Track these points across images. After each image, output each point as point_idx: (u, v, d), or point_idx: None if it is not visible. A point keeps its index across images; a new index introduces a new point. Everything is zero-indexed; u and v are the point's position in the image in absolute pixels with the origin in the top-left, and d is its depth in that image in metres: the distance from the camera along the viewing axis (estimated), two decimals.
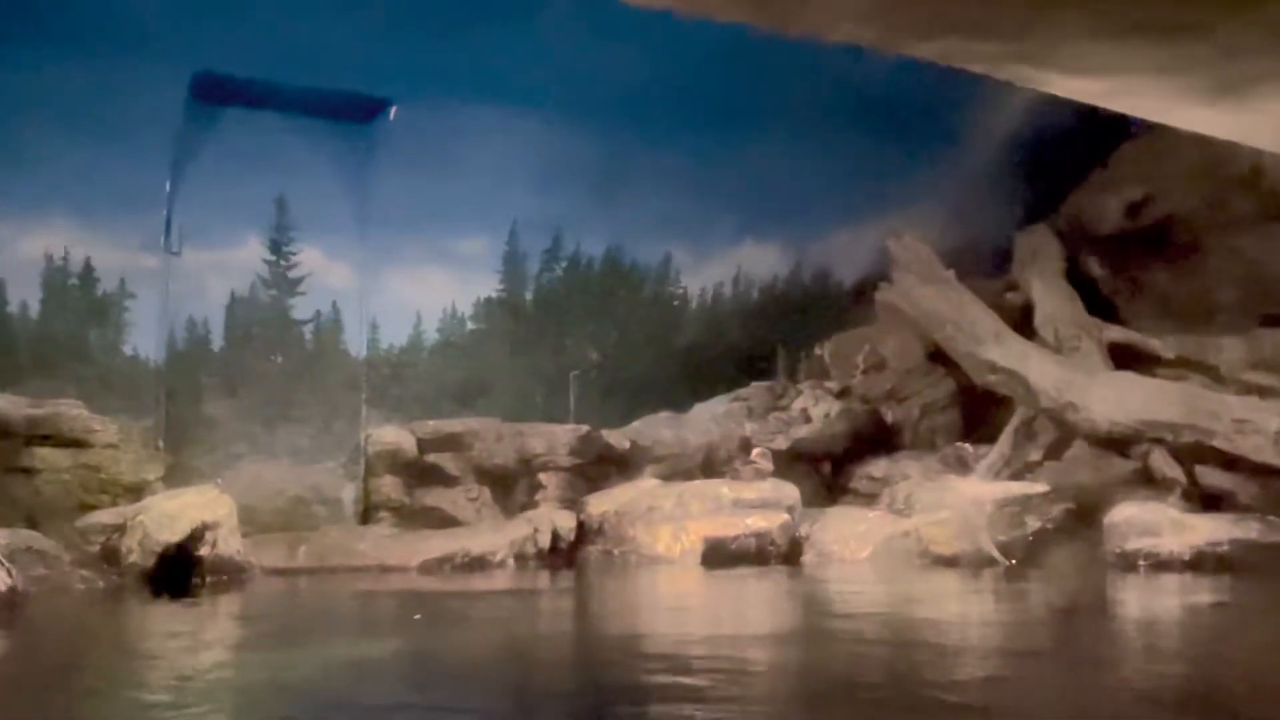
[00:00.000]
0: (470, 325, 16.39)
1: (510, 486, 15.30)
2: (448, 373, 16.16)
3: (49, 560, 11.22)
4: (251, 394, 14.84)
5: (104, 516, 11.87)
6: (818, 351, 18.10)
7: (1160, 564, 12.06)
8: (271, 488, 14.27)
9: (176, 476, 13.44)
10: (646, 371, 17.02)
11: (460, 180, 15.60)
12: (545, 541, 13.52)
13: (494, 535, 13.48)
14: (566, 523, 13.89)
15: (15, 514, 12.10)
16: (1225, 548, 12.27)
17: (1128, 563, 12.14)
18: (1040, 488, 13.91)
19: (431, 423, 15.24)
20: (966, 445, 15.87)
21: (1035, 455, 15.62)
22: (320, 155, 14.96)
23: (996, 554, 12.74)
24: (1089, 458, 15.09)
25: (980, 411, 16.68)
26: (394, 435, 14.96)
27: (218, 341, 14.84)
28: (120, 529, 11.60)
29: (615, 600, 11.17)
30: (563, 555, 13.60)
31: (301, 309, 15.24)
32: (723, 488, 13.92)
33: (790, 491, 13.82)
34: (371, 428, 15.07)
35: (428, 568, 12.65)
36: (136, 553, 11.37)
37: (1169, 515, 12.68)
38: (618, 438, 15.81)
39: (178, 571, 11.29)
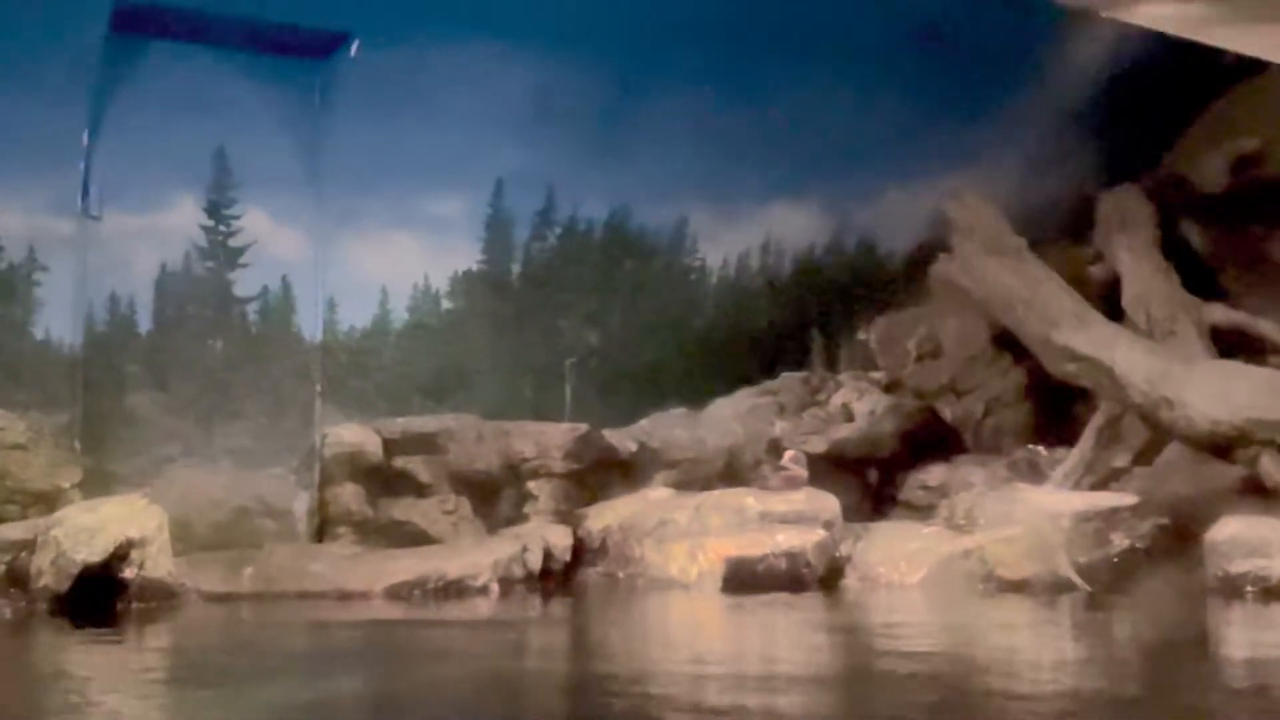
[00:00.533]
0: (446, 304, 16.40)
1: (494, 497, 15.35)
2: (419, 361, 16.18)
3: None
4: (185, 386, 14.87)
5: (10, 531, 11.95)
6: (862, 336, 18.11)
7: (1271, 590, 12.03)
8: (209, 498, 14.33)
9: (96, 484, 13.50)
10: (657, 360, 17.03)
11: (434, 130, 15.59)
12: (536, 562, 13.56)
13: (474, 555, 13.50)
14: (561, 540, 13.93)
15: None
16: None
17: (1233, 588, 12.12)
18: (1128, 499, 13.91)
19: (400, 421, 15.28)
20: (1040, 448, 15.89)
21: (1122, 461, 15.64)
22: (266, 99, 14.96)
23: (1076, 578, 12.73)
24: (1186, 463, 15.10)
25: (1056, 408, 16.71)
26: (355, 435, 15.00)
27: (145, 323, 14.86)
28: (29, 546, 11.67)
29: (619, 633, 11.18)
30: (557, 579, 13.63)
31: (245, 284, 15.25)
32: (748, 499, 13.95)
33: (829, 503, 13.83)
34: (328, 426, 15.11)
35: (395, 593, 12.68)
36: (49, 574, 11.42)
37: None
38: (622, 439, 15.84)
39: (98, 597, 11.32)
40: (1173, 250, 16.93)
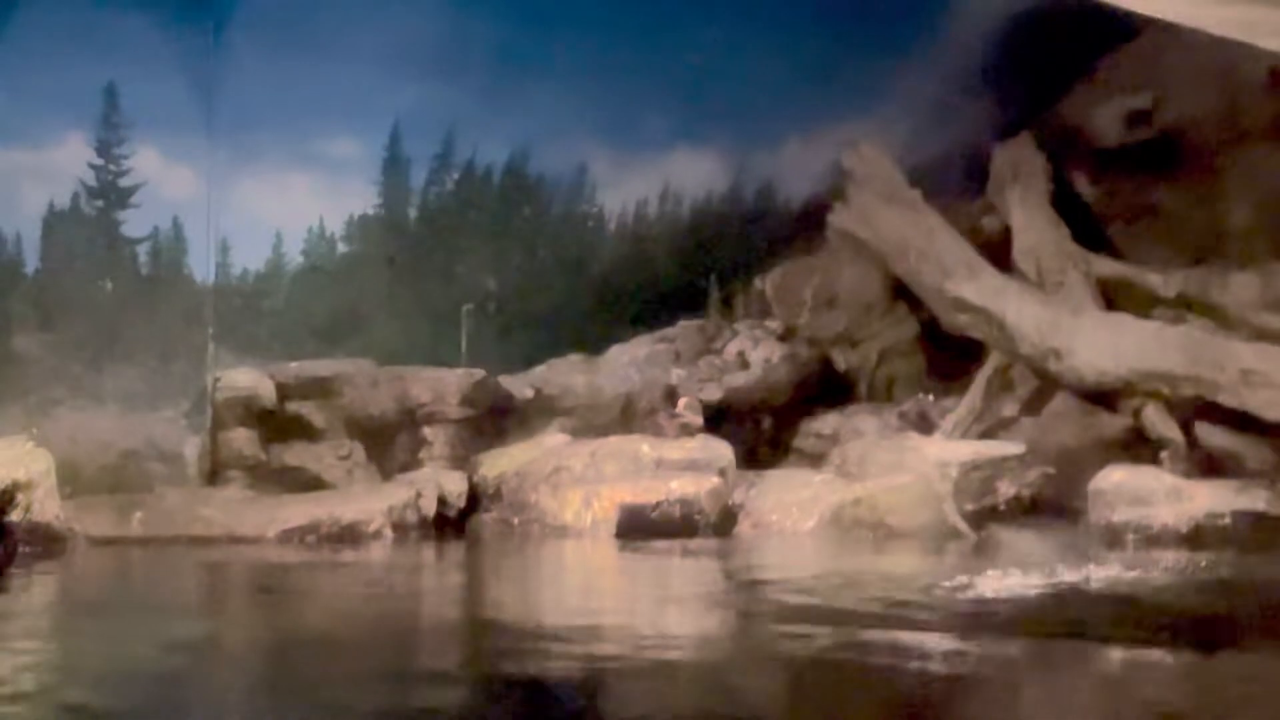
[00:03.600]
0: (342, 247, 16.32)
1: (389, 442, 15.30)
2: (314, 305, 16.09)
3: None
4: (73, 327, 14.67)
5: None
6: (758, 284, 18.18)
7: (1152, 538, 12.32)
8: (98, 441, 14.15)
9: None
10: (554, 306, 17.04)
11: (330, 68, 15.46)
12: (430, 508, 13.56)
13: (368, 500, 13.48)
14: (456, 486, 13.93)
15: None
16: (1228, 520, 12.54)
17: (1114, 537, 12.39)
18: (1015, 449, 14.15)
19: (294, 365, 15.17)
20: (930, 398, 16.06)
21: (1011, 410, 15.85)
22: (158, 36, 14.71)
23: (963, 526, 12.97)
24: (1073, 414, 15.33)
25: (948, 358, 16.86)
26: (248, 379, 14.86)
27: (32, 262, 14.66)
28: None
29: (507, 577, 11.23)
30: (451, 524, 13.63)
31: (135, 224, 15.07)
32: (643, 446, 14.00)
33: (723, 451, 13.94)
34: (220, 370, 14.95)
35: (288, 538, 12.63)
36: None
37: (1164, 482, 12.97)
38: (519, 385, 15.84)
39: None
40: (1064, 202, 17.11)
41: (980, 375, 16.01)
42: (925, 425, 15.59)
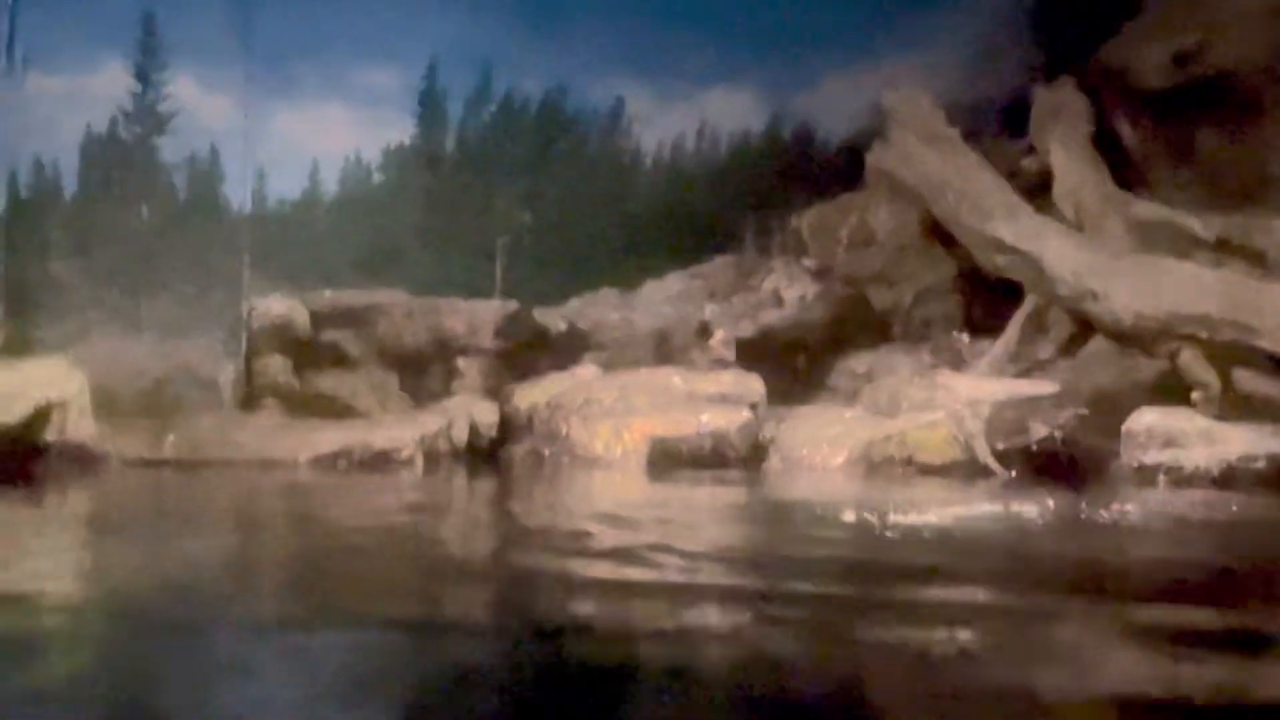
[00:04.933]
0: (378, 177, 16.36)
1: (422, 373, 15.36)
2: (349, 235, 16.13)
3: None
4: (110, 253, 14.75)
5: None
6: (795, 223, 18.11)
7: (1183, 479, 12.25)
8: (133, 367, 14.23)
9: (18, 349, 13.41)
10: (589, 240, 17.04)
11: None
12: (462, 437, 13.63)
13: (400, 428, 13.55)
14: (487, 416, 14.00)
15: None
16: (1261, 463, 12.44)
17: (1145, 477, 12.34)
18: (1049, 388, 14.07)
19: (328, 294, 15.24)
20: (964, 336, 16.00)
21: (1046, 352, 15.77)
22: None
23: (994, 464, 12.93)
24: (1109, 357, 15.24)
25: (985, 301, 16.79)
26: (283, 307, 14.95)
27: (70, 187, 14.75)
28: None
29: (536, 500, 11.27)
30: (482, 454, 13.69)
31: (172, 151, 15.16)
32: (674, 379, 14.05)
33: (755, 385, 13.95)
34: (256, 298, 15.02)
35: (320, 463, 12.70)
36: None
37: (1197, 424, 12.88)
38: (552, 318, 15.88)
39: (17, 460, 11.26)
40: (1105, 145, 16.96)
41: (1016, 317, 15.93)
42: (958, 363, 15.55)
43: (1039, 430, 13.62)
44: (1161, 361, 14.80)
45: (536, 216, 16.76)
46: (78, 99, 14.48)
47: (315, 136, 15.31)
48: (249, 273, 15.08)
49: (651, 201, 17.39)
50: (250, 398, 14.69)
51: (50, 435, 11.61)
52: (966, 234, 16.14)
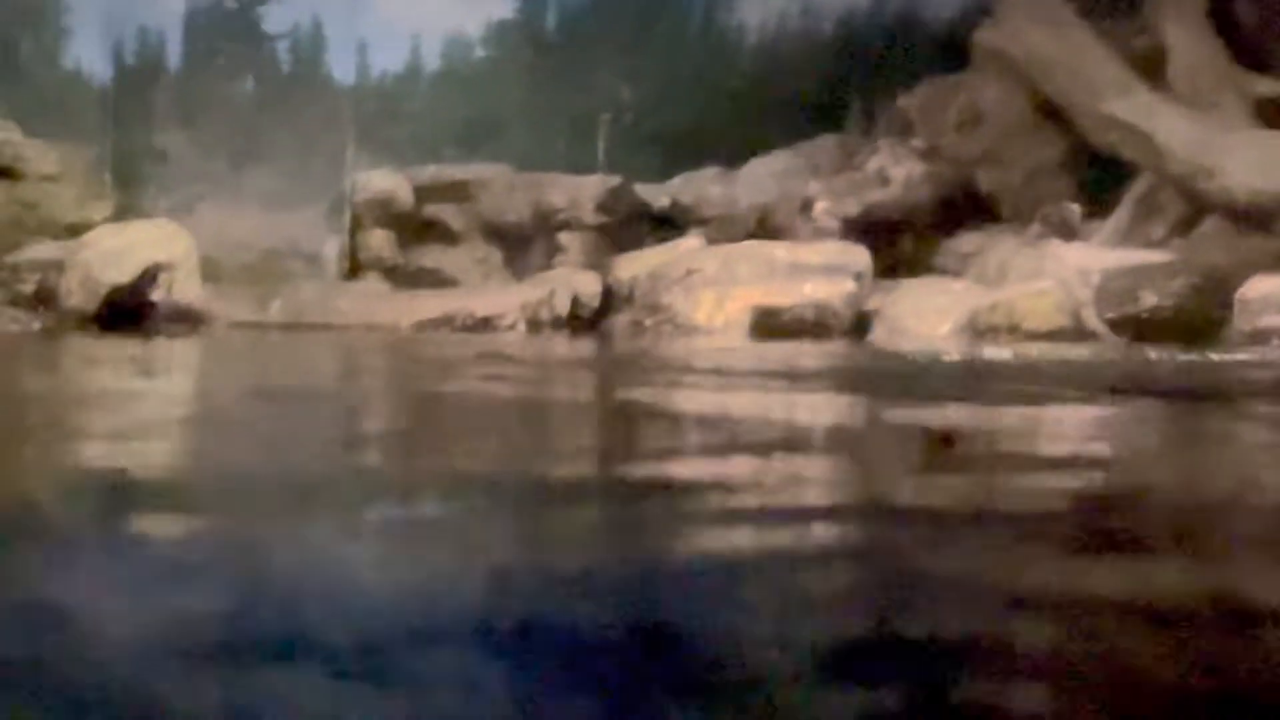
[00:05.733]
0: (480, 52, 16.26)
1: (524, 248, 15.32)
2: (451, 109, 16.08)
3: None
4: (215, 125, 14.83)
5: (39, 251, 12.05)
6: (901, 102, 17.75)
7: None
8: (239, 239, 14.34)
9: (126, 219, 13.48)
10: (693, 119, 16.83)
11: None
12: (564, 307, 13.59)
13: (503, 296, 13.56)
14: (589, 287, 13.97)
15: None
16: None
17: (1259, 341, 12.04)
18: (1160, 257, 13.76)
19: (431, 168, 15.21)
20: (1074, 206, 15.64)
21: (1159, 232, 15.43)
22: None
23: (1102, 331, 12.69)
24: (1223, 236, 14.87)
25: (1097, 180, 16.43)
26: (386, 181, 14.96)
27: (174, 59, 14.79)
28: (58, 267, 11.75)
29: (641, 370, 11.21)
30: (584, 325, 13.65)
31: (275, 21, 15.15)
32: (778, 250, 13.91)
33: (859, 256, 13.79)
34: (359, 172, 15.03)
35: (422, 329, 12.72)
36: (78, 294, 11.54)
37: None
38: (654, 194, 15.73)
39: (126, 319, 11.40)
40: (1224, 22, 16.51)
41: (1128, 195, 15.59)
42: (1069, 234, 15.24)
43: (1149, 298, 13.32)
44: (1277, 240, 14.44)
45: (638, 94, 16.60)
46: None
47: (417, 10, 15.36)
48: (352, 146, 15.09)
49: (754, 80, 17.15)
50: (355, 272, 14.77)
51: (158, 295, 11.72)
52: (1078, 112, 15.81)
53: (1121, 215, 15.58)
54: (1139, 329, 13.01)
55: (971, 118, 17.12)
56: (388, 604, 1.59)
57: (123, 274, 11.56)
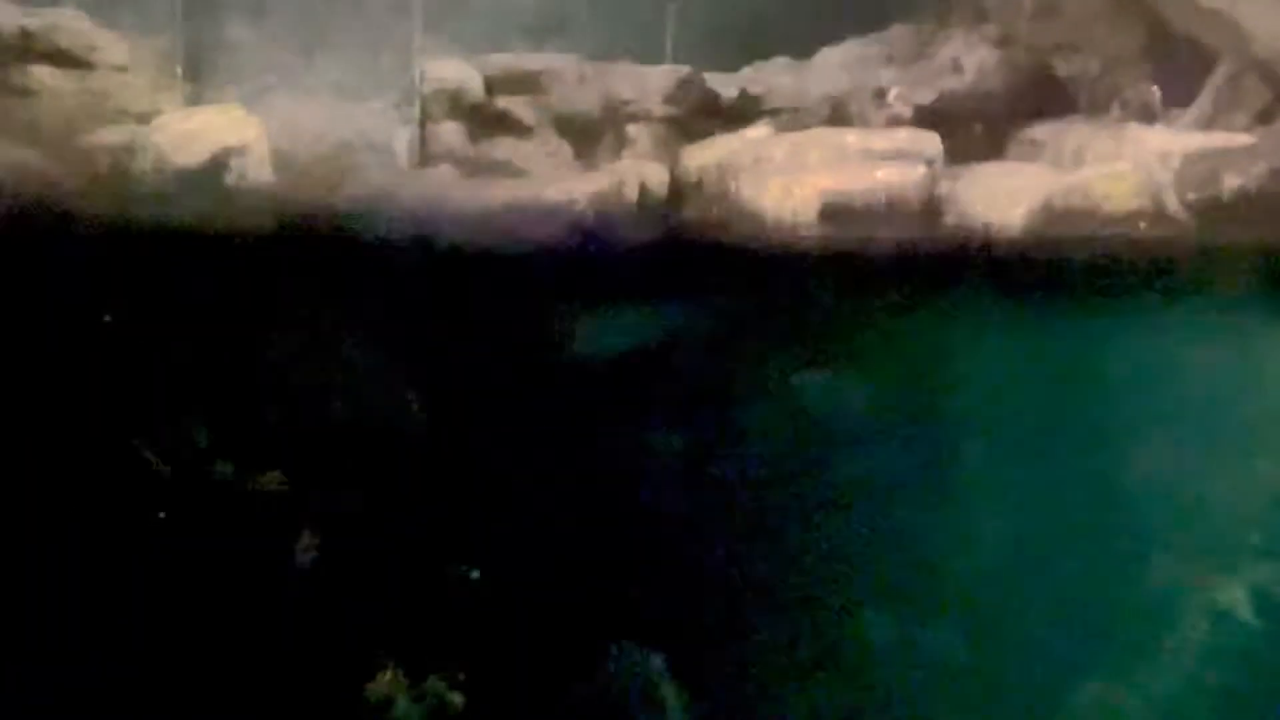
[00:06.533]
0: None
1: (594, 141, 15.21)
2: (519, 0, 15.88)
3: (48, 184, 11.50)
4: (283, 13, 14.72)
5: (109, 135, 12.10)
6: None
7: None
8: (311, 130, 14.27)
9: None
10: (761, 7, 16.54)
11: None
12: (632, 195, 13.52)
13: (573, 184, 13.51)
14: (657, 176, 13.88)
15: (6, 140, 12.32)
16: None
17: None
18: (1244, 139, 13.49)
19: (501, 58, 15.07)
20: (1154, 89, 15.34)
21: (1241, 120, 15.11)
22: None
23: (1183, 215, 12.48)
24: None
25: (1178, 69, 16.10)
26: (455, 72, 14.85)
27: None
28: (129, 150, 11.81)
29: None
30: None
31: None
32: (848, 136, 13.81)
33: (931, 141, 13.66)
34: (427, 62, 14.92)
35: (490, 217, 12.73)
36: (149, 179, 11.57)
37: None
38: (724, 85, 15.54)
39: (200, 203, 11.48)
40: None
41: (1210, 83, 15.25)
42: (1149, 118, 14.98)
43: (1232, 181, 13.09)
44: None
45: None
46: None
47: None
48: (420, 35, 14.99)
49: None
50: (425, 164, 14.69)
51: (230, 180, 11.76)
52: None
53: (1203, 102, 15.28)
54: (1221, 211, 12.83)
55: (1048, 4, 16.80)
56: None
57: (194, 157, 11.61)
